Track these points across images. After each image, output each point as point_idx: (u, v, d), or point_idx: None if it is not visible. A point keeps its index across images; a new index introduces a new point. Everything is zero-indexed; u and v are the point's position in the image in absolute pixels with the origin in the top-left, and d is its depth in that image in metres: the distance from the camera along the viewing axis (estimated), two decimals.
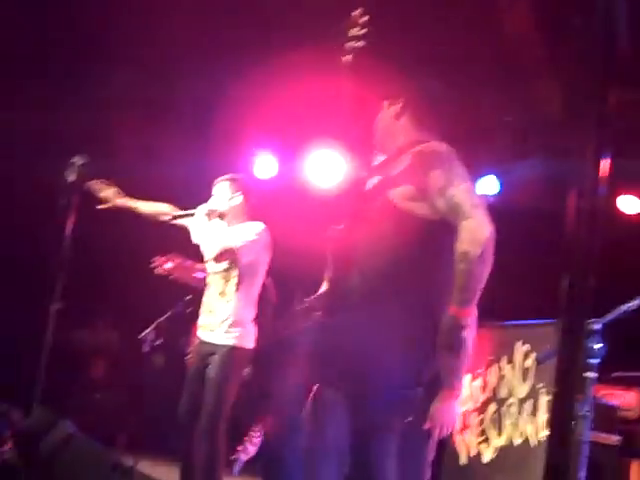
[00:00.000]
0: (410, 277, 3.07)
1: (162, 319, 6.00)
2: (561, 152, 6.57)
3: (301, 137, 7.76)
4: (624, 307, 3.34)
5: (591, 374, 3.01)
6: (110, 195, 5.50)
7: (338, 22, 3.15)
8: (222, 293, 5.13)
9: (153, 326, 6.00)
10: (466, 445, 6.24)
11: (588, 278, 1.35)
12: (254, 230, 5.13)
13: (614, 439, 5.16)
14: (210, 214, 5.11)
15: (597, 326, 3.00)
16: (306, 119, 7.23)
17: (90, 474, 3.87)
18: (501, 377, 6.04)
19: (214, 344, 5.06)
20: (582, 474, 3.12)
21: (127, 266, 7.62)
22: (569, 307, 1.38)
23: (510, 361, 5.98)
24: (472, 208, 2.96)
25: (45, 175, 6.20)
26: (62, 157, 5.79)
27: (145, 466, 5.45)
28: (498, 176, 7.54)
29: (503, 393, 5.99)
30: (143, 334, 5.99)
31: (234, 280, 5.10)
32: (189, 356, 5.39)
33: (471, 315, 2.96)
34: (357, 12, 3.16)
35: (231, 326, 5.05)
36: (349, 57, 3.16)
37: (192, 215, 5.19)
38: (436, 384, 3.09)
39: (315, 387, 3.11)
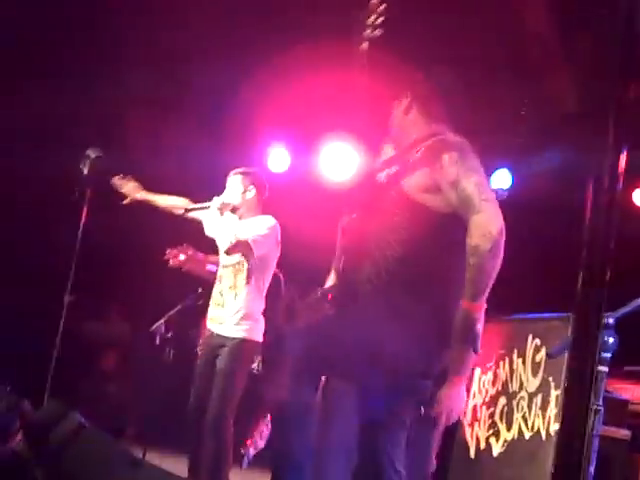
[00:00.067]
0: (422, 269, 3.08)
1: (173, 312, 6.01)
2: (576, 146, 6.55)
3: (314, 130, 7.76)
4: (637, 301, 3.32)
5: (603, 368, 3.00)
6: (130, 190, 5.56)
7: (356, 10, 3.14)
8: (232, 286, 5.14)
9: (164, 319, 6.02)
10: (476, 438, 6.23)
11: (604, 272, 1.35)
12: (266, 224, 5.13)
13: (624, 433, 5.16)
14: (222, 207, 5.11)
15: (610, 320, 2.99)
16: (319, 112, 7.23)
17: (100, 466, 3.87)
18: (512, 371, 6.03)
19: (224, 336, 5.07)
20: (592, 468, 3.12)
21: (139, 258, 7.64)
22: (585, 301, 1.38)
23: (521, 355, 5.96)
24: (483, 202, 2.96)
25: (59, 168, 6.21)
26: (76, 150, 5.81)
27: (154, 458, 5.47)
28: (511, 170, 7.53)
29: (514, 387, 5.97)
30: (154, 327, 6.00)
31: (245, 273, 5.11)
32: (199, 348, 5.40)
33: (483, 309, 2.96)
34: (375, 0, 3.15)
35: (241, 319, 5.06)
36: (365, 45, 3.15)
37: (206, 208, 5.20)
38: (445, 376, 3.10)
39: (324, 379, 3.11)
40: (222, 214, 5.10)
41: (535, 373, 5.77)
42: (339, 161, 7.71)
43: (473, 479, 6.15)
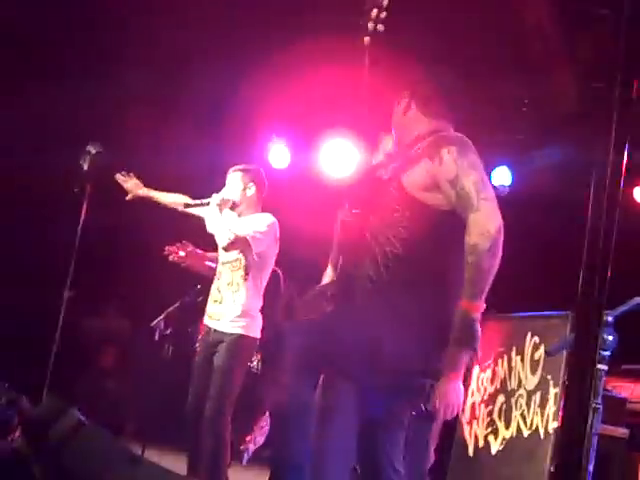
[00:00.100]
0: (421, 266, 3.07)
1: (172, 308, 6.01)
2: (576, 144, 6.55)
3: (314, 127, 7.76)
4: (636, 300, 3.32)
5: (602, 366, 3.00)
6: (133, 186, 5.59)
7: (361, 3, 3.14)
8: (230, 283, 5.14)
9: (163, 315, 6.02)
10: (474, 436, 6.24)
11: (605, 271, 1.35)
12: (265, 221, 5.14)
13: (622, 431, 5.16)
14: (222, 204, 5.12)
15: (609, 318, 2.99)
16: (319, 109, 7.23)
17: (99, 462, 3.87)
18: (510, 369, 6.04)
19: (222, 332, 5.08)
20: (591, 467, 3.12)
21: (139, 254, 7.64)
22: (585, 300, 1.38)
23: (520, 353, 5.97)
24: (481, 201, 2.95)
25: (59, 163, 6.21)
26: (76, 146, 5.81)
27: (153, 455, 5.47)
28: (511, 167, 7.54)
29: (512, 385, 5.98)
30: (154, 323, 6.00)
31: (242, 270, 5.12)
32: (197, 345, 5.41)
33: (481, 309, 2.96)
34: None
35: (238, 316, 5.07)
36: (367, 39, 3.15)
37: (206, 204, 5.20)
38: (441, 373, 3.10)
39: (322, 377, 3.10)
40: (221, 211, 5.11)
41: (534, 371, 5.78)
42: (339, 157, 7.73)
43: (472, 477, 6.16)
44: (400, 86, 3.36)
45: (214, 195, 5.16)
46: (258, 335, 5.15)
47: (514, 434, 5.81)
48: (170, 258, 5.28)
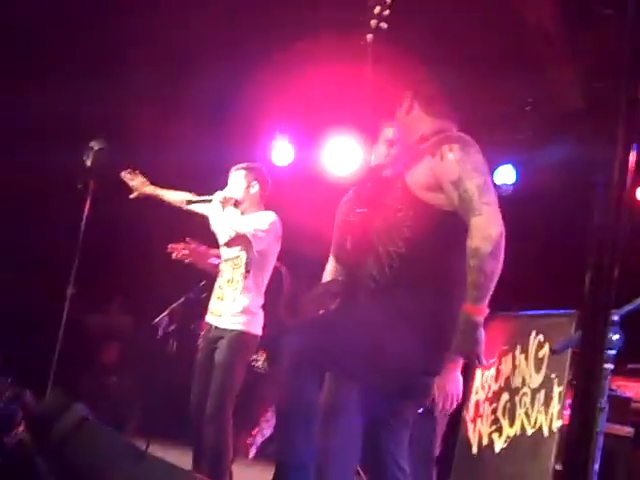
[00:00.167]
0: (424, 266, 3.07)
1: (176, 304, 6.01)
2: (579, 142, 6.54)
3: (318, 124, 7.76)
4: None
5: (608, 365, 2.99)
6: (138, 185, 5.58)
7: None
8: (231, 280, 5.15)
9: (167, 311, 6.02)
10: (478, 434, 6.24)
11: (613, 270, 1.35)
12: (266, 220, 5.13)
13: (627, 430, 5.16)
14: (225, 202, 5.12)
15: (615, 317, 2.98)
16: (323, 106, 7.23)
17: (103, 458, 3.87)
18: (515, 367, 6.03)
19: (222, 329, 5.09)
20: (596, 466, 3.12)
21: (143, 251, 7.65)
22: (593, 298, 1.37)
23: (524, 351, 5.96)
24: (484, 205, 2.94)
25: (62, 160, 6.22)
26: (79, 143, 5.82)
27: (157, 450, 5.47)
28: (515, 165, 7.53)
29: (516, 383, 5.98)
30: (157, 319, 6.00)
31: (243, 268, 5.12)
32: (199, 341, 5.41)
33: (484, 312, 2.95)
34: None
35: (238, 312, 5.07)
36: (370, 36, 3.14)
37: (208, 201, 5.21)
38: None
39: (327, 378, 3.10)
40: (224, 208, 5.11)
41: (538, 369, 5.77)
42: (342, 155, 7.73)
43: (475, 475, 6.15)
44: (403, 85, 3.35)
45: (217, 192, 5.16)
46: (259, 332, 5.15)
47: (518, 432, 5.81)
48: (174, 255, 5.28)
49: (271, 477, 3.06)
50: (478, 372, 6.34)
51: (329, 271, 3.60)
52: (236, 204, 5.21)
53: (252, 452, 6.14)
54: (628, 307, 3.13)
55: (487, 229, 2.91)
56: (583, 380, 1.37)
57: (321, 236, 3.93)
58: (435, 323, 3.03)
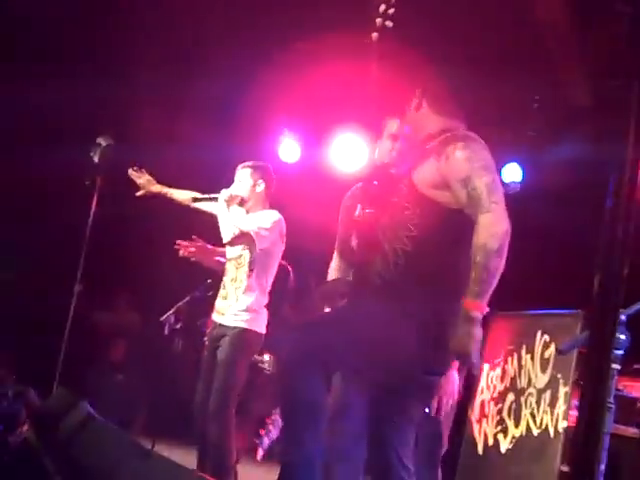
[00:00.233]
0: (430, 264, 3.06)
1: (183, 302, 6.01)
2: (587, 140, 6.52)
3: (325, 121, 7.76)
4: None
5: (615, 366, 2.98)
6: (145, 183, 5.59)
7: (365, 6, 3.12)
8: (234, 279, 5.15)
9: (174, 309, 6.02)
10: (484, 434, 6.23)
11: (622, 270, 1.34)
12: (269, 218, 5.13)
13: (633, 431, 5.14)
14: (230, 200, 5.12)
15: (622, 317, 2.97)
16: (330, 104, 7.23)
17: (109, 456, 3.87)
18: (520, 367, 6.02)
19: (225, 327, 5.09)
20: (603, 466, 3.10)
21: (149, 249, 7.65)
22: (601, 298, 1.36)
23: (530, 351, 5.95)
24: (492, 204, 2.95)
25: (70, 156, 6.23)
26: (87, 140, 5.82)
27: (162, 449, 5.47)
28: (522, 163, 7.52)
29: (522, 383, 5.97)
30: (164, 317, 6.00)
31: (246, 267, 5.12)
32: (205, 339, 5.42)
33: (483, 310, 2.94)
34: None
35: (241, 310, 5.06)
36: (376, 35, 3.13)
37: (215, 199, 5.20)
38: None
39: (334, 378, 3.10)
40: (229, 207, 5.11)
41: (544, 369, 5.76)
42: (349, 152, 7.73)
43: (481, 475, 6.15)
44: (410, 83, 3.34)
45: (223, 190, 5.16)
46: (263, 330, 5.14)
47: (524, 433, 5.80)
48: (180, 253, 5.28)
49: (276, 478, 3.06)
50: (484, 372, 6.33)
51: (334, 268, 3.60)
52: (241, 202, 5.20)
53: (260, 453, 6.14)
54: (635, 307, 3.11)
55: (495, 226, 2.91)
56: (591, 380, 1.36)
57: (328, 232, 3.93)
58: (440, 321, 3.02)
